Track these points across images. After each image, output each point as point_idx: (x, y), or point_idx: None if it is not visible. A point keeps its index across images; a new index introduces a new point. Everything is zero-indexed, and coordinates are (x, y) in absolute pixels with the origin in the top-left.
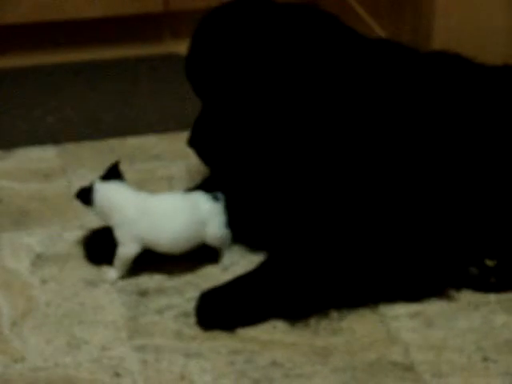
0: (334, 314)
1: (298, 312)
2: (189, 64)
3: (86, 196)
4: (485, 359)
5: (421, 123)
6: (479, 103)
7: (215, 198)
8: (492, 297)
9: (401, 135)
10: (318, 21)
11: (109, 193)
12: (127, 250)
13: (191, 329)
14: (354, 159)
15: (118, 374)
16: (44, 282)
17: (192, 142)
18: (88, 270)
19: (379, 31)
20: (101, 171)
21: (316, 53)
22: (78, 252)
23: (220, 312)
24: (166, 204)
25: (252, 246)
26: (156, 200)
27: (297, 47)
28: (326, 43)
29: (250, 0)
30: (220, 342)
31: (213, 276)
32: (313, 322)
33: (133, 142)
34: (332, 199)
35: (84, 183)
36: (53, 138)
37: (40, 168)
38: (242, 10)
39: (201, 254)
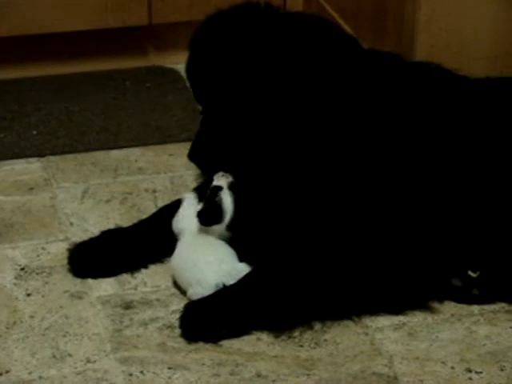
0: (318, 326)
1: (281, 324)
2: (189, 69)
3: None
4: (468, 371)
5: (394, 141)
6: (459, 115)
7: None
8: (475, 308)
9: (378, 151)
10: (314, 28)
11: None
12: None
13: (176, 341)
14: (342, 181)
15: None
16: (28, 294)
17: (192, 156)
18: (72, 283)
19: (362, 45)
20: (84, 184)
21: (311, 57)
22: (63, 265)
23: (204, 324)
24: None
25: (239, 259)
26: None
27: (296, 54)
28: (320, 49)
29: (245, 6)
30: (204, 354)
31: None
32: (297, 334)
33: (116, 155)
34: (316, 212)
35: (68, 196)
36: (37, 150)
37: (24, 181)
38: (240, 17)
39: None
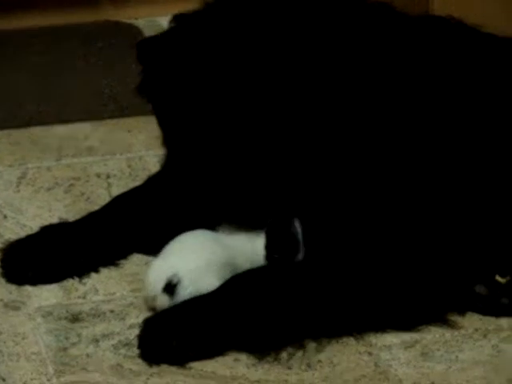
0: (311, 345)
1: (265, 342)
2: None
3: None
4: None
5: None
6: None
7: None
8: (504, 322)
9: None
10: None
11: None
12: None
13: (134, 362)
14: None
15: None
16: None
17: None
18: (6, 291)
19: None
20: (21, 167)
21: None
22: None
23: (168, 343)
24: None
25: None
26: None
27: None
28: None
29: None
30: (169, 379)
31: None
32: (284, 354)
33: (61, 132)
34: (317, 210)
35: (0, 182)
36: None
37: None
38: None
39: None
